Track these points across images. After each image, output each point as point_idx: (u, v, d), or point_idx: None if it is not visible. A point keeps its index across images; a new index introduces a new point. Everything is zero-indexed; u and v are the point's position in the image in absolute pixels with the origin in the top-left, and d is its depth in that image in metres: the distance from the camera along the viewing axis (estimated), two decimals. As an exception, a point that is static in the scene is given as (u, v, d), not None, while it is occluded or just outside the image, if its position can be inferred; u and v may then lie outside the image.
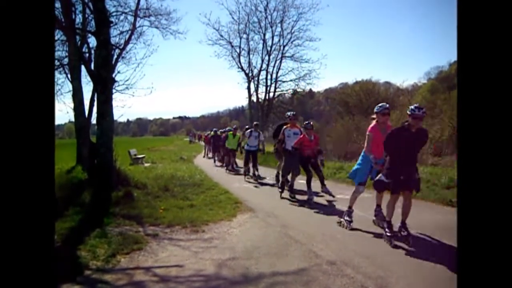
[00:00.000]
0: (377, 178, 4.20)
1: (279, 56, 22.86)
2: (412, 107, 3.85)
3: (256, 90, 23.34)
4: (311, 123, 6.63)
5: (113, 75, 8.68)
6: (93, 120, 9.86)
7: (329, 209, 5.77)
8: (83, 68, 9.67)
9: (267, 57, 22.97)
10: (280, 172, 7.51)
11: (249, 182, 9.28)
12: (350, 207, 4.77)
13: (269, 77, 23.14)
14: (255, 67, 23.31)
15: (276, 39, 22.71)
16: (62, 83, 11.82)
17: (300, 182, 6.82)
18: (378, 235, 4.22)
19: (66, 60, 10.56)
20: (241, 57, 23.04)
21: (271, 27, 22.53)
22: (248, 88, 23.39)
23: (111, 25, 7.15)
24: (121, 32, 10.91)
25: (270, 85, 23.20)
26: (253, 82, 23.35)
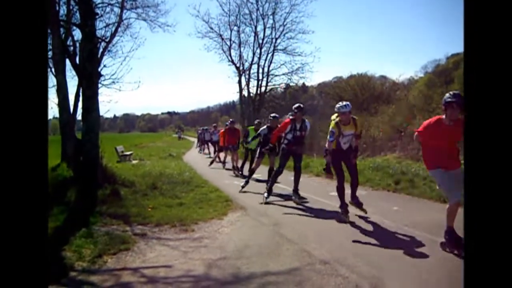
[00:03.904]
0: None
1: (271, 49, 22.36)
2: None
3: (247, 84, 22.89)
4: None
5: (99, 69, 8.44)
6: (79, 116, 9.60)
7: (323, 208, 5.71)
8: (67, 62, 9.38)
9: (258, 50, 22.44)
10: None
11: (239, 179, 9.15)
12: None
13: (260, 71, 22.68)
14: (246, 61, 22.73)
15: (268, 31, 22.15)
16: (46, 77, 11.47)
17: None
18: (372, 234, 4.18)
19: (50, 54, 10.22)
20: (232, 50, 22.49)
21: (263, 19, 21.96)
22: (239, 82, 22.92)
23: (97, 17, 6.90)
24: (107, 25, 10.61)
25: (262, 79, 22.77)
26: (244, 76, 22.88)
